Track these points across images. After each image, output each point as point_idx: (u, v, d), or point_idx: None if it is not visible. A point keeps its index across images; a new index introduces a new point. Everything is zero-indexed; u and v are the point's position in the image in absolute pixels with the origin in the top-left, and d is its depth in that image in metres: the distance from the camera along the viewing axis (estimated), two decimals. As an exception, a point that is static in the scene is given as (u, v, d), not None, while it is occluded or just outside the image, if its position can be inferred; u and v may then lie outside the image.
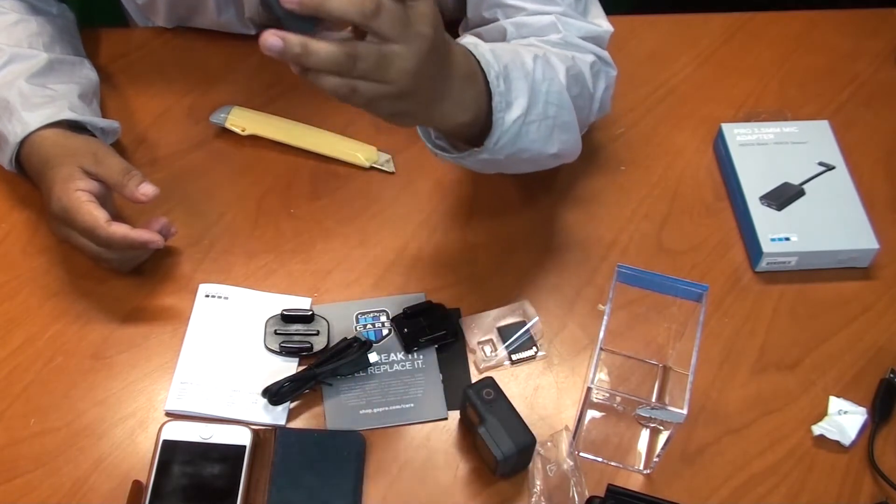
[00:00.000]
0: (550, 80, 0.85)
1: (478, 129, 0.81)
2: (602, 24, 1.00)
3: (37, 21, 1.02)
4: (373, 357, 0.90)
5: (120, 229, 0.87)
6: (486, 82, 0.78)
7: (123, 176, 0.90)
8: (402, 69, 0.67)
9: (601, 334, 0.82)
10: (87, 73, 1.04)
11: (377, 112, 0.71)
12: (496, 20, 0.99)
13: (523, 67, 0.83)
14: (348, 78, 0.66)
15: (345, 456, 0.83)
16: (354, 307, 0.94)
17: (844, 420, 0.87)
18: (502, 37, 0.98)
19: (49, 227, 0.95)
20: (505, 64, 0.80)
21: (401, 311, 0.93)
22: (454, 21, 1.08)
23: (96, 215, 0.87)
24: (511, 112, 0.80)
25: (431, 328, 0.92)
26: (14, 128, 0.93)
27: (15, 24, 1.00)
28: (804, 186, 1.01)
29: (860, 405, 0.89)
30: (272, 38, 0.63)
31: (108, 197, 0.92)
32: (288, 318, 0.91)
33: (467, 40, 0.80)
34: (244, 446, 0.82)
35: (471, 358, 0.91)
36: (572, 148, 0.93)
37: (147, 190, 0.89)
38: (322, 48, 0.64)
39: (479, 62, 0.78)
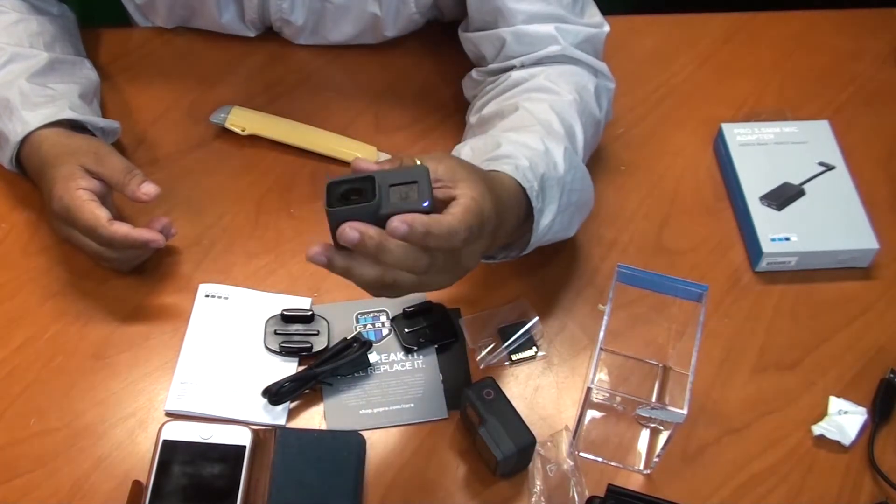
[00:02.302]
0: (575, 168, 0.88)
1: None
2: (599, 24, 1.00)
3: (37, 21, 1.02)
4: (373, 357, 0.90)
5: (121, 228, 0.88)
6: (527, 199, 0.81)
7: (125, 175, 0.90)
8: (444, 283, 0.74)
9: (601, 334, 0.82)
10: (88, 73, 1.04)
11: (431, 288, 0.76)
12: (496, 22, 0.99)
13: (556, 171, 0.85)
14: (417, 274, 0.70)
15: (345, 456, 0.83)
16: (354, 307, 0.94)
17: (844, 420, 0.87)
18: (501, 46, 0.99)
19: (50, 227, 0.95)
20: (541, 174, 0.83)
21: (401, 311, 0.93)
22: (454, 21, 1.08)
23: (98, 214, 0.87)
24: (544, 218, 0.84)
25: (431, 328, 0.92)
26: (14, 127, 0.93)
27: (16, 23, 1.00)
28: (804, 186, 1.01)
29: (860, 405, 0.89)
30: (351, 231, 0.67)
31: (107, 196, 0.92)
32: (288, 318, 0.91)
33: (504, 151, 0.83)
34: (244, 446, 0.82)
35: (471, 358, 0.91)
36: (587, 215, 0.96)
37: (149, 189, 0.89)
38: (399, 248, 0.68)
39: (521, 185, 0.81)
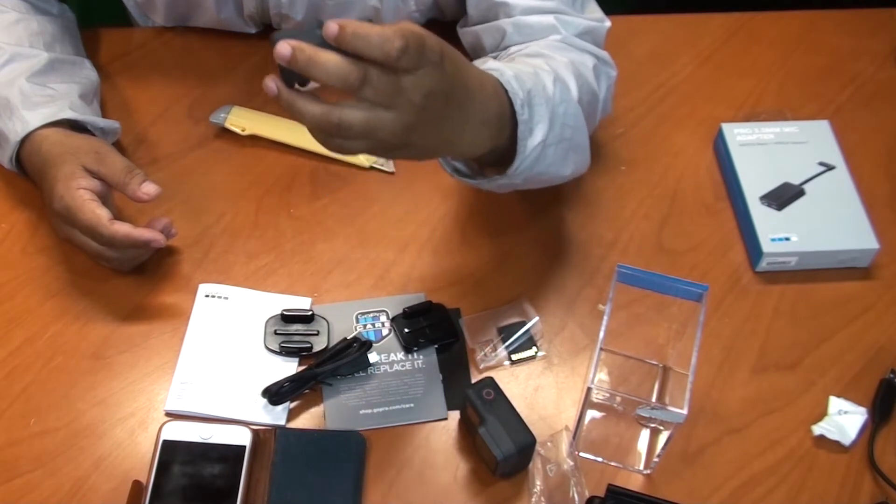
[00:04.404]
0: (567, 102, 0.86)
1: (498, 154, 0.81)
2: (600, 19, 1.00)
3: (37, 20, 1.02)
4: (373, 357, 0.90)
5: (122, 228, 0.88)
6: (512, 108, 0.78)
7: (126, 175, 0.90)
8: (393, 128, 0.69)
9: (601, 334, 0.82)
10: (88, 73, 1.04)
11: (376, 150, 0.72)
12: (496, 18, 0.99)
13: (545, 91, 0.83)
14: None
15: (345, 456, 0.83)
16: (354, 307, 0.94)
17: (844, 420, 0.87)
18: (501, 37, 0.98)
19: (50, 226, 0.95)
20: (528, 89, 0.80)
21: (401, 311, 0.93)
22: (454, 21, 1.08)
23: (99, 214, 0.87)
24: (533, 138, 0.81)
25: (431, 328, 0.92)
26: (14, 126, 0.93)
27: (16, 22, 1.00)
28: (804, 186, 1.01)
29: (860, 405, 0.89)
30: (284, 46, 0.65)
31: (108, 196, 0.92)
32: (288, 318, 0.91)
33: (490, 65, 0.80)
34: (244, 446, 0.82)
35: (471, 358, 0.91)
36: (583, 166, 0.94)
37: (149, 189, 0.89)
38: (331, 59, 0.65)
39: (505, 90, 0.78)
